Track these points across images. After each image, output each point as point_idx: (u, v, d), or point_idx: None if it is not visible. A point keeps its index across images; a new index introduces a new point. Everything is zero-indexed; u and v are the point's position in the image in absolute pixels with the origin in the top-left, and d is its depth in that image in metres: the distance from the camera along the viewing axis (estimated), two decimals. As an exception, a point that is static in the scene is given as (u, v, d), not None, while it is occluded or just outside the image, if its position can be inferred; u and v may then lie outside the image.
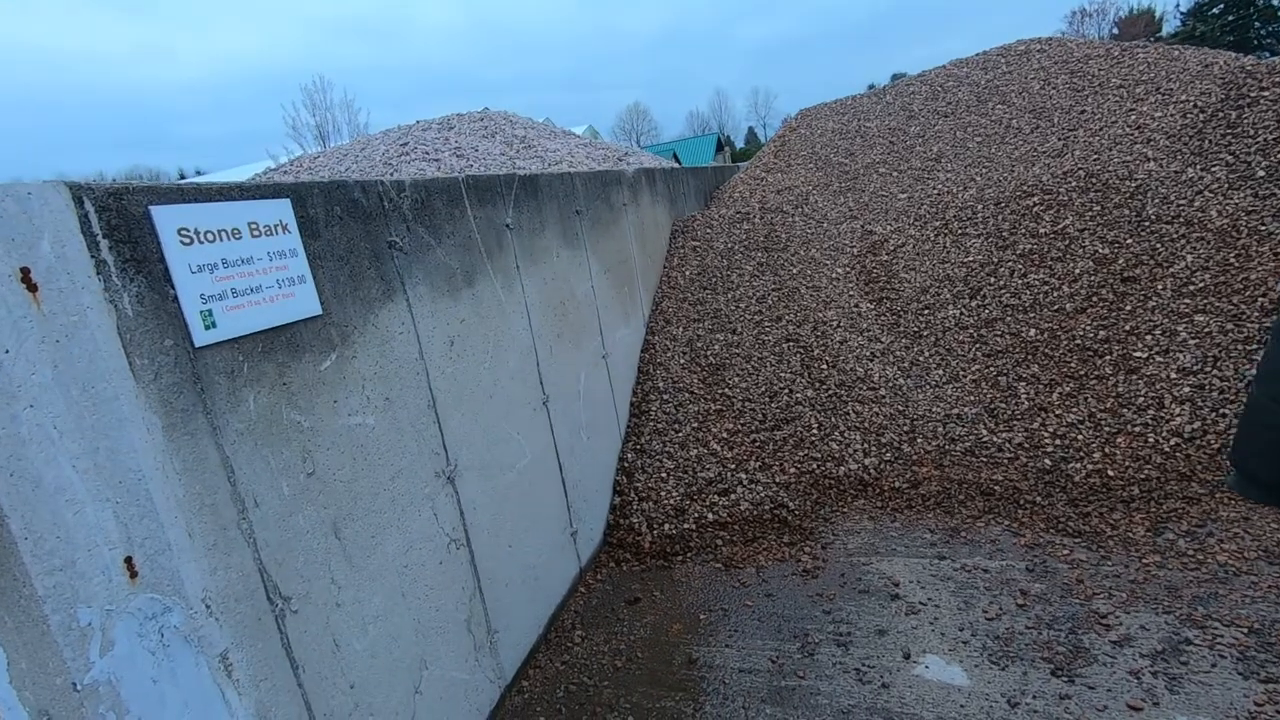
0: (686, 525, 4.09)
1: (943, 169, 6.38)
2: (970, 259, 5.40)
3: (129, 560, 1.61)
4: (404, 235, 2.67)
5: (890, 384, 4.81)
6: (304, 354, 2.16)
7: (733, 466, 4.35)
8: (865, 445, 4.48)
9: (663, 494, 4.28)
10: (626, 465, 4.52)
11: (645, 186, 5.72)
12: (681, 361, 5.08)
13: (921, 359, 4.95)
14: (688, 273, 5.85)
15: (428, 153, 5.75)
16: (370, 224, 2.50)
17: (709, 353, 5.14)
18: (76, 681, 1.50)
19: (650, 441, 4.59)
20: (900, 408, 4.65)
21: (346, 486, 2.27)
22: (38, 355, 1.47)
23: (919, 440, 4.44)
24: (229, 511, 1.87)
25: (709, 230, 6.30)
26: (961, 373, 4.75)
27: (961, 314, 5.10)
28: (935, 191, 6.15)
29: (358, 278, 2.41)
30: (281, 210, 2.11)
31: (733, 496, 4.19)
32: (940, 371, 4.82)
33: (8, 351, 1.42)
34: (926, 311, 5.23)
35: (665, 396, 4.84)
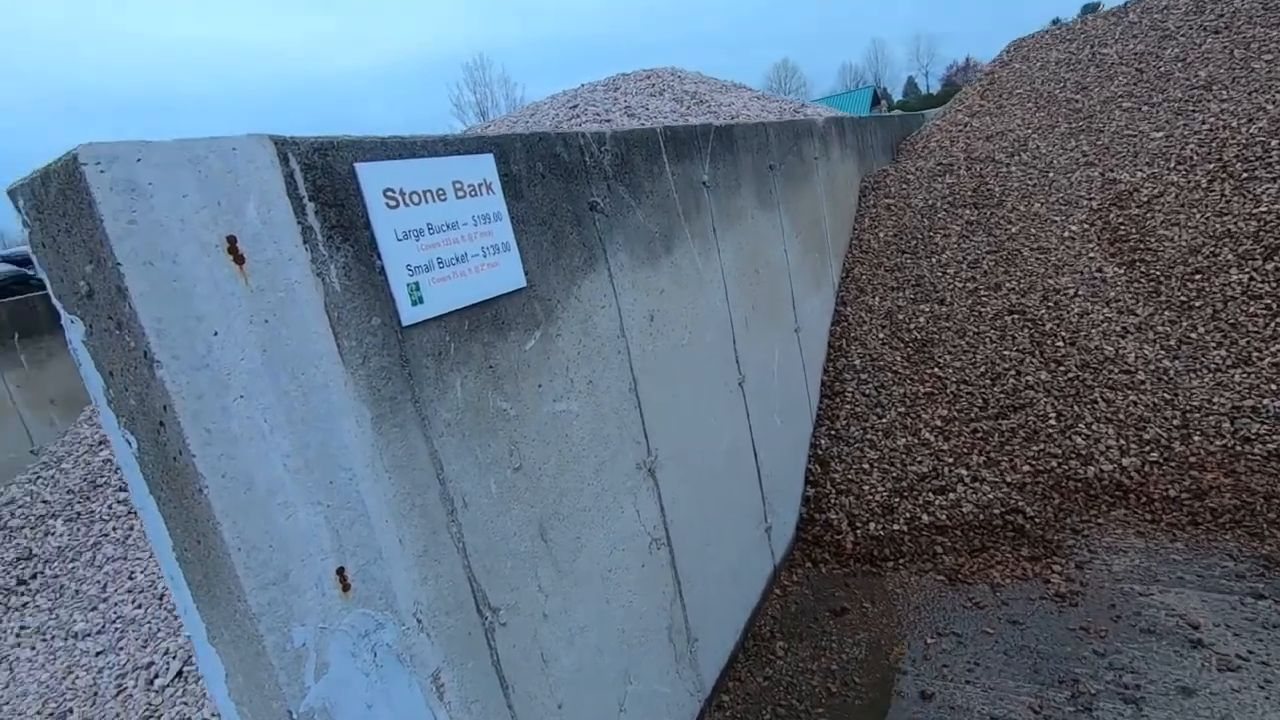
0: (897, 526, 3.55)
1: (1215, 98, 5.12)
2: (1262, 209, 4.27)
3: (341, 571, 1.41)
4: (605, 195, 2.34)
5: (1151, 366, 3.91)
6: (509, 332, 1.89)
7: (950, 460, 3.73)
8: (1121, 441, 3.66)
9: (865, 488, 3.76)
10: (820, 453, 4.03)
11: (835, 138, 5.08)
12: (880, 336, 4.47)
13: (1194, 336, 3.98)
14: (882, 235, 5.16)
15: (598, 113, 5.48)
16: (572, 182, 2.19)
17: (912, 326, 4.48)
18: (293, 710, 1.31)
19: (848, 427, 4.06)
20: (1167, 396, 3.76)
21: (553, 482, 2.01)
22: (247, 338, 1.27)
23: (1196, 438, 3.55)
24: (438, 514, 1.64)
25: (904, 186, 5.53)
26: (1256, 354, 3.75)
27: (1251, 279, 4.04)
28: (1206, 127, 4.95)
29: (560, 244, 2.11)
30: (485, 167, 1.84)
31: (952, 496, 3.58)
32: (1222, 352, 3.85)
33: (217, 334, 1.22)
34: (1198, 277, 4.20)
35: (863, 376, 4.27)
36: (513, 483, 1.87)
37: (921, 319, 4.49)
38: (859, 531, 3.61)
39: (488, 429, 1.80)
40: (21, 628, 4.37)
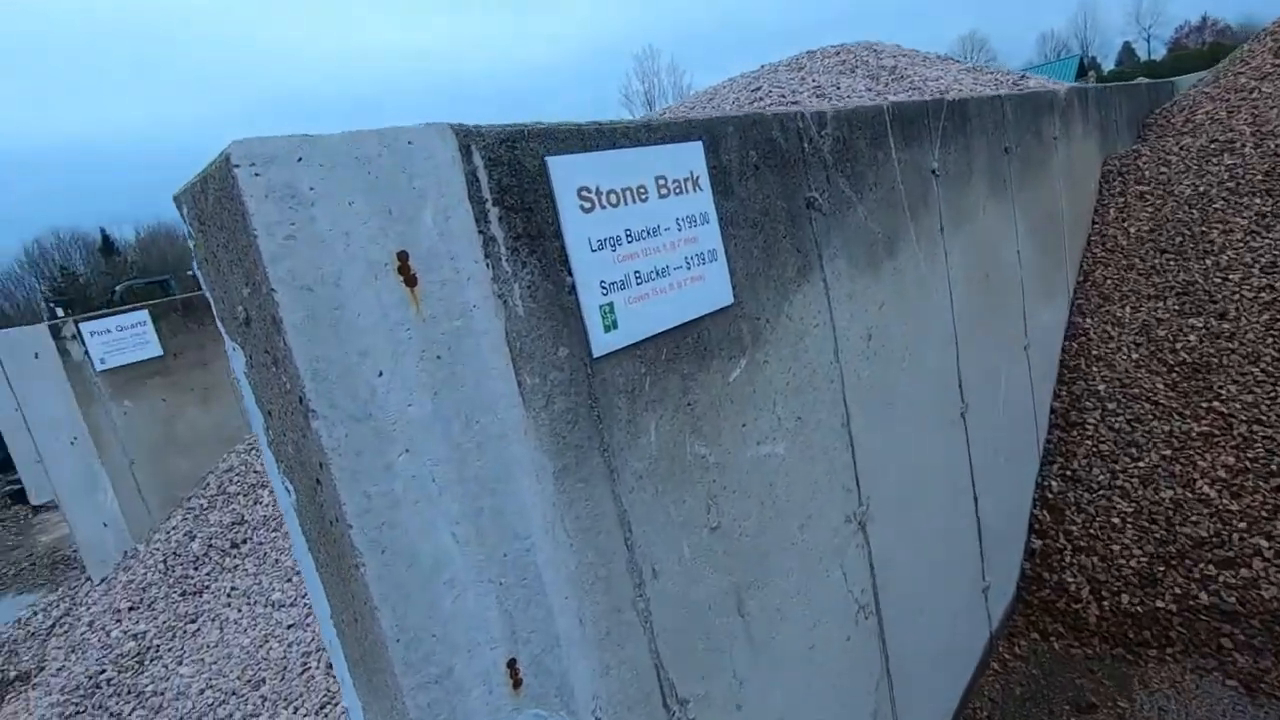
0: (1161, 604, 2.80)
1: None
2: None
3: (512, 664, 1.14)
4: (824, 189, 1.92)
5: None
6: (711, 360, 1.55)
7: (1241, 525, 2.89)
8: None
9: (1115, 548, 3.02)
10: (1050, 498, 3.32)
11: (1078, 113, 4.21)
12: (1134, 356, 3.62)
13: None
14: (1133, 229, 4.22)
15: (783, 95, 4.99)
16: (788, 174, 1.79)
17: (1180, 346, 3.58)
18: (452, 838, 1.07)
19: (1088, 468, 3.31)
20: None
21: (753, 542, 1.65)
22: (416, 378, 1.02)
23: None
24: (624, 586, 1.33)
25: (1163, 169, 4.51)
26: None
27: None
28: None
29: (771, 251, 1.73)
30: (693, 157, 1.49)
31: (1245, 573, 2.76)
32: None
33: (381, 374, 0.98)
34: None
35: (1110, 406, 3.48)
36: (708, 545, 1.52)
37: (1193, 337, 3.58)
38: (1106, 603, 2.90)
39: (683, 480, 1.47)
40: (232, 589, 4.80)
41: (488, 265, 1.11)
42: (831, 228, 1.95)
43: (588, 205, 1.27)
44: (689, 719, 1.45)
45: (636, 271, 1.35)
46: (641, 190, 1.37)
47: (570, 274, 1.24)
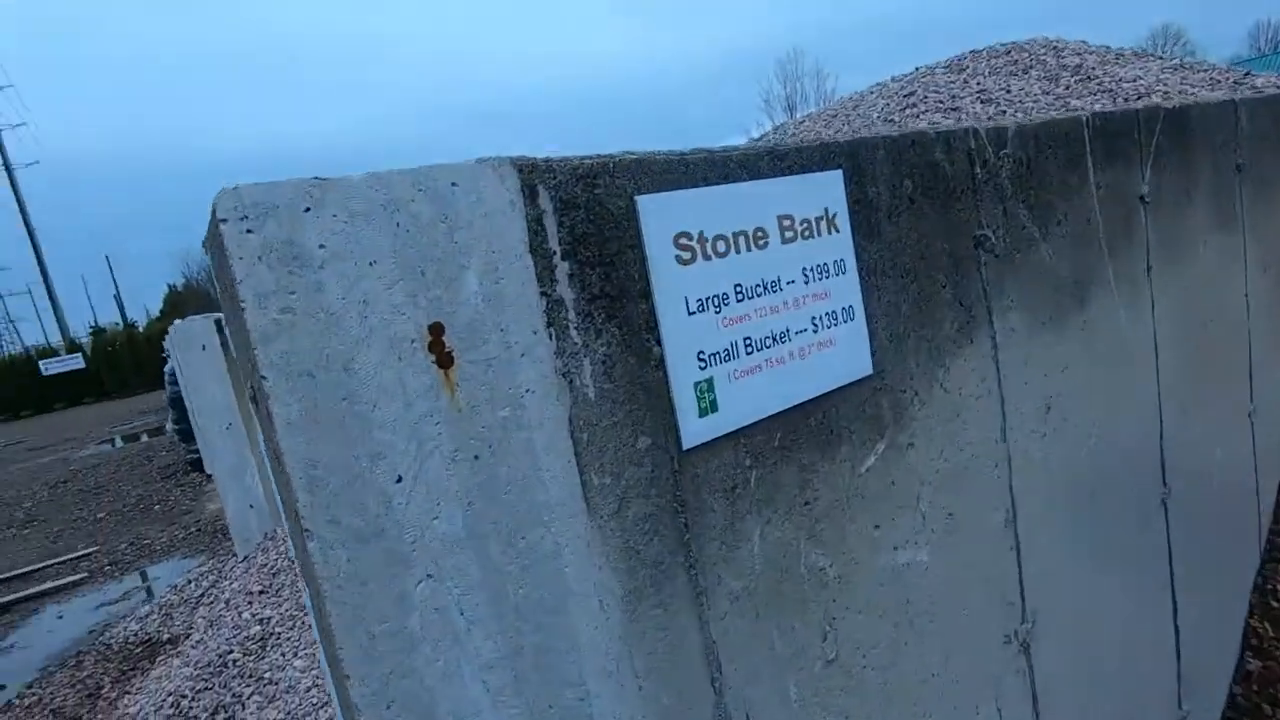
0: None
1: None
2: None
3: (554, 843, 0.89)
4: (998, 224, 1.52)
5: None
6: (839, 446, 1.22)
7: None
8: None
9: (1374, 690, 2.30)
10: (1275, 605, 2.62)
11: (1333, 117, 3.36)
12: (1407, 433, 2.80)
13: None
14: (1406, 266, 3.31)
15: (941, 101, 4.44)
16: (952, 207, 1.42)
17: None
18: None
19: (1335, 576, 2.58)
20: None
21: (880, 678, 1.30)
22: (445, 484, 0.80)
23: None
24: (708, 739, 1.05)
25: None
26: None
27: None
28: None
29: (925, 304, 1.37)
30: (829, 191, 1.18)
31: None
32: None
33: (400, 481, 0.77)
34: None
35: (1369, 496, 2.70)
36: (823, 682, 1.20)
37: None
38: (1359, 763, 2.21)
39: (793, 601, 1.16)
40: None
41: (551, 336, 0.87)
42: (1005, 273, 1.55)
43: (687, 255, 0.99)
44: None
45: (746, 338, 1.06)
46: (759, 234, 1.08)
47: (659, 343, 0.98)
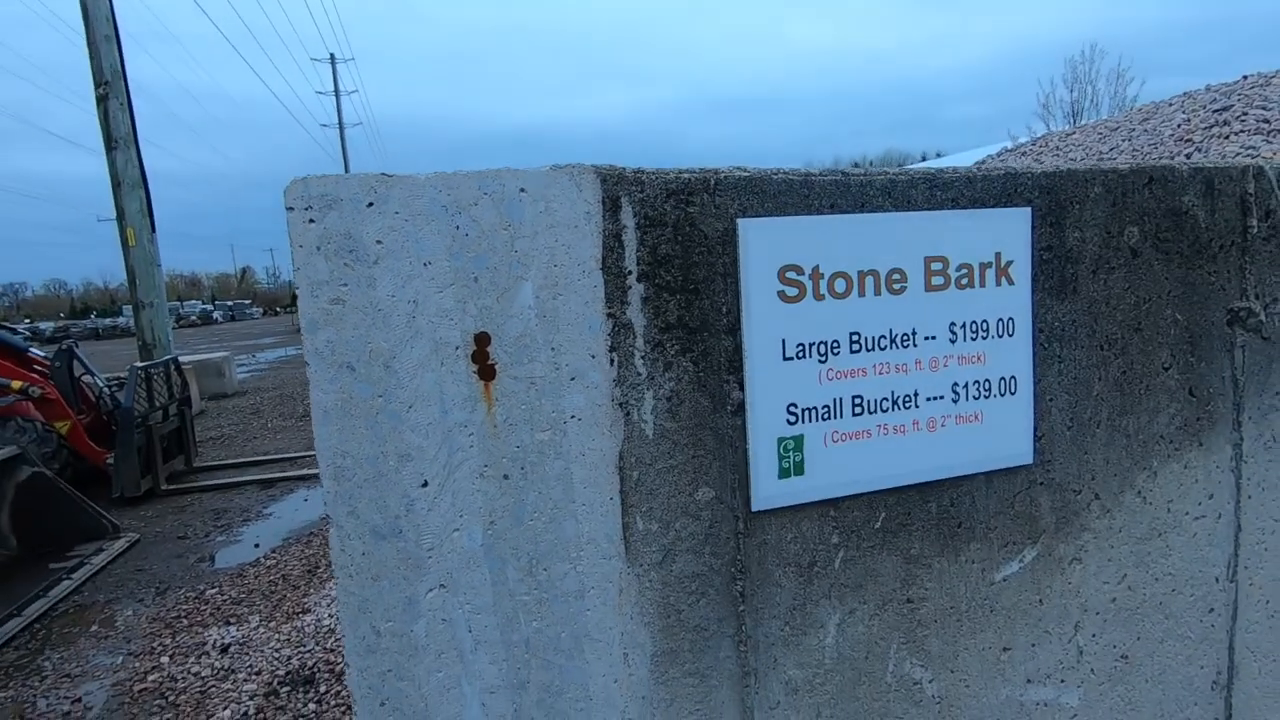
0: None
1: None
2: None
3: None
4: (1276, 295, 1.13)
5: None
6: (967, 543, 1.00)
7: None
8: None
9: None
10: None
11: None
12: None
13: None
14: None
15: (1266, 120, 3.51)
16: (1199, 267, 1.08)
17: None
18: None
19: None
20: None
21: (977, 829, 1.06)
22: (471, 498, 0.77)
23: None
24: (731, 834, 0.93)
25: None
26: None
27: None
28: None
29: (1132, 386, 1.06)
30: (1007, 232, 0.95)
31: None
32: None
33: (426, 485, 0.76)
34: None
35: None
36: (894, 811, 1.00)
37: None
38: None
39: (873, 712, 0.97)
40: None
41: (611, 362, 0.80)
42: (1277, 361, 1.15)
43: (793, 292, 0.86)
44: None
45: (856, 396, 0.90)
46: (896, 276, 0.90)
47: (741, 387, 0.86)
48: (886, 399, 0.91)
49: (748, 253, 0.84)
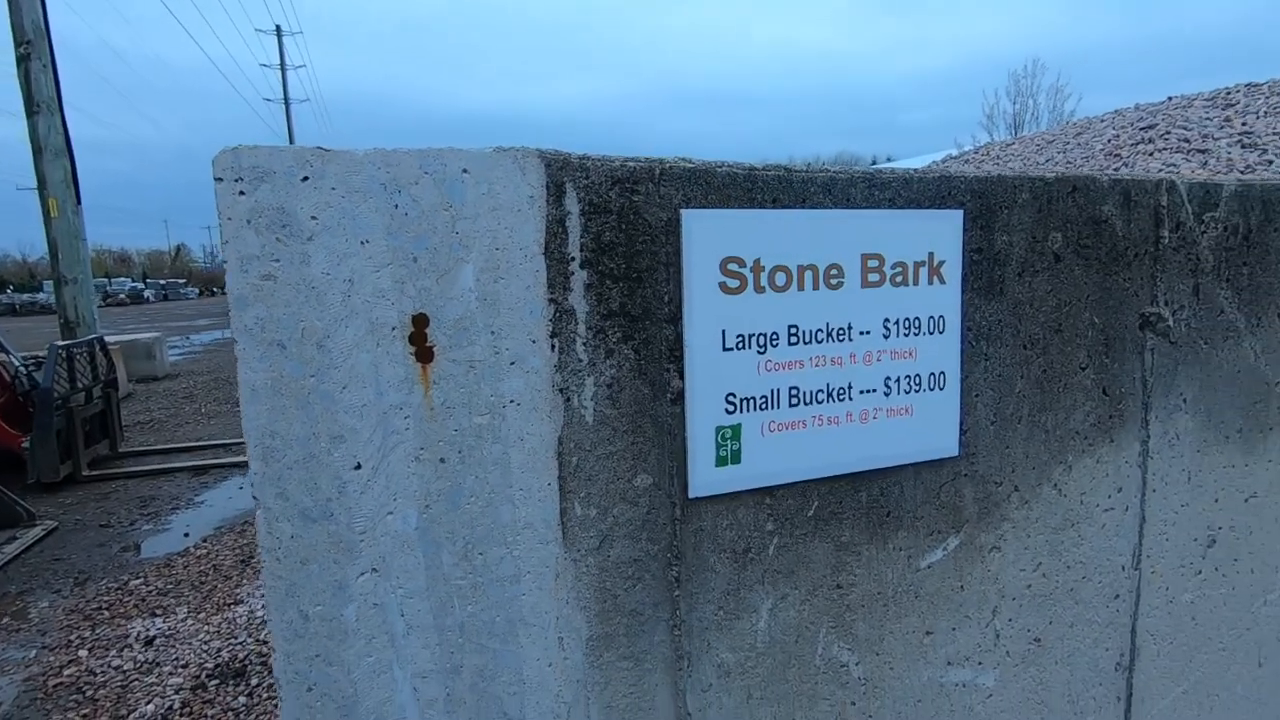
0: None
1: None
2: None
3: None
4: (1183, 304, 1.21)
5: None
6: (895, 532, 1.04)
7: None
8: None
9: None
10: None
11: None
12: None
13: None
14: None
15: (1187, 139, 3.72)
16: (1114, 273, 1.15)
17: None
18: None
19: None
20: None
21: (897, 805, 1.10)
22: (405, 481, 0.76)
23: None
24: (661, 815, 0.94)
25: None
26: None
27: None
28: None
29: (1052, 384, 1.12)
30: (940, 233, 0.99)
31: None
32: None
33: (358, 468, 0.74)
34: None
35: None
36: (819, 789, 1.04)
37: None
38: None
39: (801, 693, 1.01)
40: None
41: (553, 348, 0.80)
42: (1182, 364, 1.23)
43: (734, 284, 0.87)
44: None
45: (793, 388, 0.92)
46: (833, 272, 0.92)
47: (680, 376, 0.87)
48: (822, 391, 0.94)
49: (690, 243, 0.85)
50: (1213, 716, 1.40)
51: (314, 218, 0.70)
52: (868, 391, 0.97)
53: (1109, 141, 4.13)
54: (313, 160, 0.69)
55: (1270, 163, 3.41)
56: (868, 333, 0.96)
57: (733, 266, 0.87)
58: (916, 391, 1.00)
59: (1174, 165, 3.54)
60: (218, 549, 5.95)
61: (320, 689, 0.76)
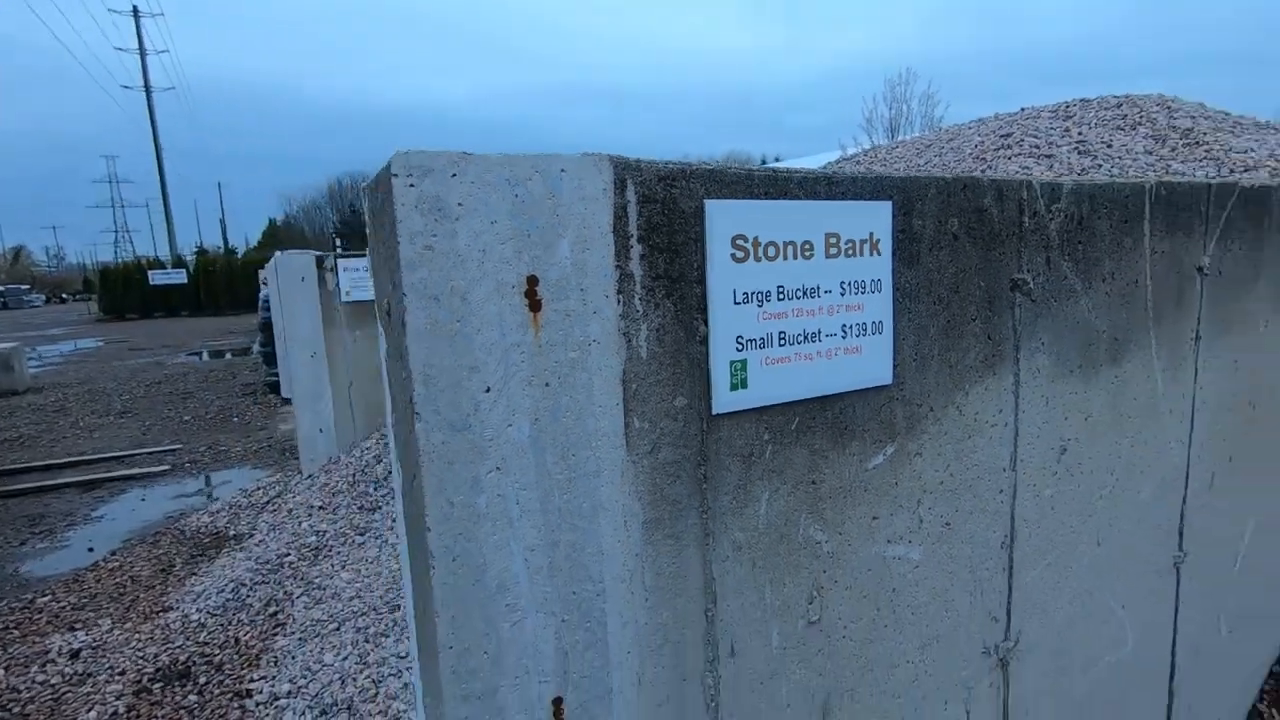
0: None
1: None
2: None
3: (558, 703, 1.12)
4: (1039, 272, 1.65)
5: None
6: (850, 442, 1.40)
7: None
8: None
9: (1370, 791, 2.30)
10: (1286, 694, 2.62)
11: None
12: None
13: None
14: None
15: (1037, 146, 4.43)
16: (993, 249, 1.56)
17: None
18: None
19: (1354, 675, 2.55)
20: None
21: (857, 649, 1.47)
22: (521, 400, 1.03)
23: None
24: (696, 657, 1.25)
25: None
26: None
27: None
28: None
29: (954, 332, 1.52)
30: (876, 219, 1.35)
31: None
32: None
33: (489, 390, 1.00)
34: None
35: None
36: (803, 638, 1.38)
37: None
38: None
39: (788, 563, 1.34)
40: (394, 520, 5.39)
41: (619, 302, 1.09)
42: (1040, 317, 1.67)
43: (740, 255, 1.19)
44: (736, 817, 1.33)
45: (781, 332, 1.25)
46: (807, 247, 1.26)
47: (705, 323, 1.18)
48: (800, 334, 1.27)
49: (711, 225, 1.16)
50: (1067, 583, 1.87)
51: (460, 204, 0.95)
52: (831, 335, 1.31)
53: (976, 146, 4.81)
54: (459, 161, 0.94)
55: (1099, 166, 4.13)
56: (830, 292, 1.30)
57: (740, 242, 1.19)
58: (863, 335, 1.36)
59: (1028, 168, 4.21)
60: (131, 560, 5.68)
61: (462, 559, 1.01)
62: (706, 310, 1.17)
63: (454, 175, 0.94)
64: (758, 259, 1.21)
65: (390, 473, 5.83)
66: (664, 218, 1.12)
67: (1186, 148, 4.35)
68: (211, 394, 12.92)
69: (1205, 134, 4.48)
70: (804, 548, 1.36)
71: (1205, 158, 4.14)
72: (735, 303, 1.20)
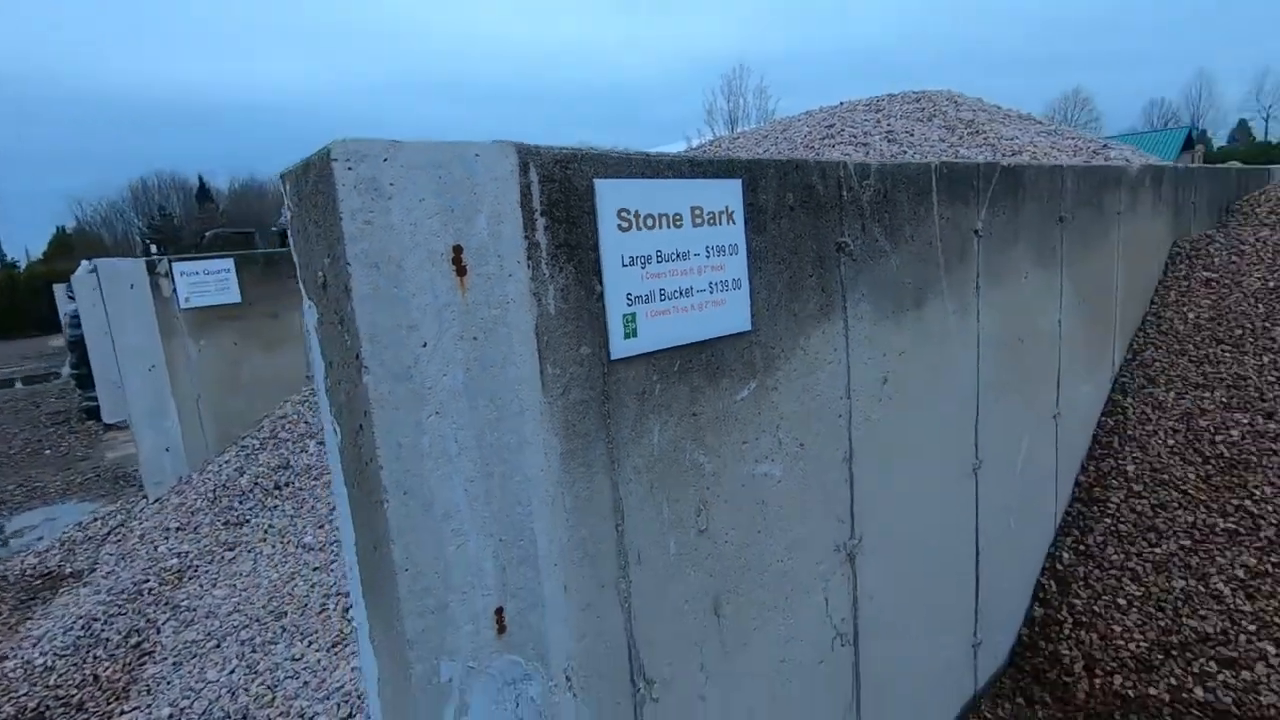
0: (1154, 691, 2.79)
1: None
2: None
3: (499, 612, 1.31)
4: (857, 236, 2.04)
5: None
6: (721, 379, 1.69)
7: (1251, 627, 2.84)
8: None
9: (1117, 628, 3.01)
10: (1060, 569, 3.32)
11: (1149, 190, 4.17)
12: (1169, 443, 3.58)
13: None
14: (1191, 316, 4.15)
15: (855, 135, 5.08)
16: (821, 218, 1.92)
17: (1220, 439, 3.52)
18: (424, 749, 1.24)
19: (1104, 545, 3.30)
20: None
21: (737, 552, 1.77)
22: (454, 353, 1.20)
23: None
24: (609, 566, 1.49)
25: (1235, 258, 4.41)
26: None
27: None
28: None
29: (795, 287, 1.86)
30: (730, 194, 1.64)
31: (1246, 675, 2.72)
32: None
33: (425, 345, 1.17)
34: None
35: (1136, 487, 3.45)
36: (694, 545, 1.66)
37: (1235, 432, 3.51)
38: (1098, 682, 2.89)
39: (679, 482, 1.61)
40: (270, 526, 5.14)
41: (529, 267, 1.29)
42: (860, 273, 2.07)
43: (625, 225, 1.43)
44: (653, 697, 1.59)
45: (662, 289, 1.51)
46: (677, 218, 1.53)
47: (600, 283, 1.41)
48: (677, 291, 1.54)
49: (600, 200, 1.39)
50: (894, 489, 2.31)
51: (392, 184, 1.11)
52: (701, 291, 1.59)
53: (805, 136, 5.40)
54: (390, 148, 1.10)
55: (905, 152, 4.82)
56: (698, 255, 1.58)
57: (624, 214, 1.43)
58: (726, 291, 1.65)
59: (849, 154, 4.83)
60: (-55, 615, 5.00)
61: (411, 493, 1.17)
62: (601, 272, 1.40)
63: (385, 160, 1.10)
64: (639, 228, 1.46)
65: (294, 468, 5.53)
66: (562, 194, 1.34)
67: (970, 135, 5.19)
68: (13, 426, 11.28)
69: (984, 125, 5.36)
70: (691, 469, 1.64)
71: (984, 144, 4.98)
72: (624, 265, 1.44)
